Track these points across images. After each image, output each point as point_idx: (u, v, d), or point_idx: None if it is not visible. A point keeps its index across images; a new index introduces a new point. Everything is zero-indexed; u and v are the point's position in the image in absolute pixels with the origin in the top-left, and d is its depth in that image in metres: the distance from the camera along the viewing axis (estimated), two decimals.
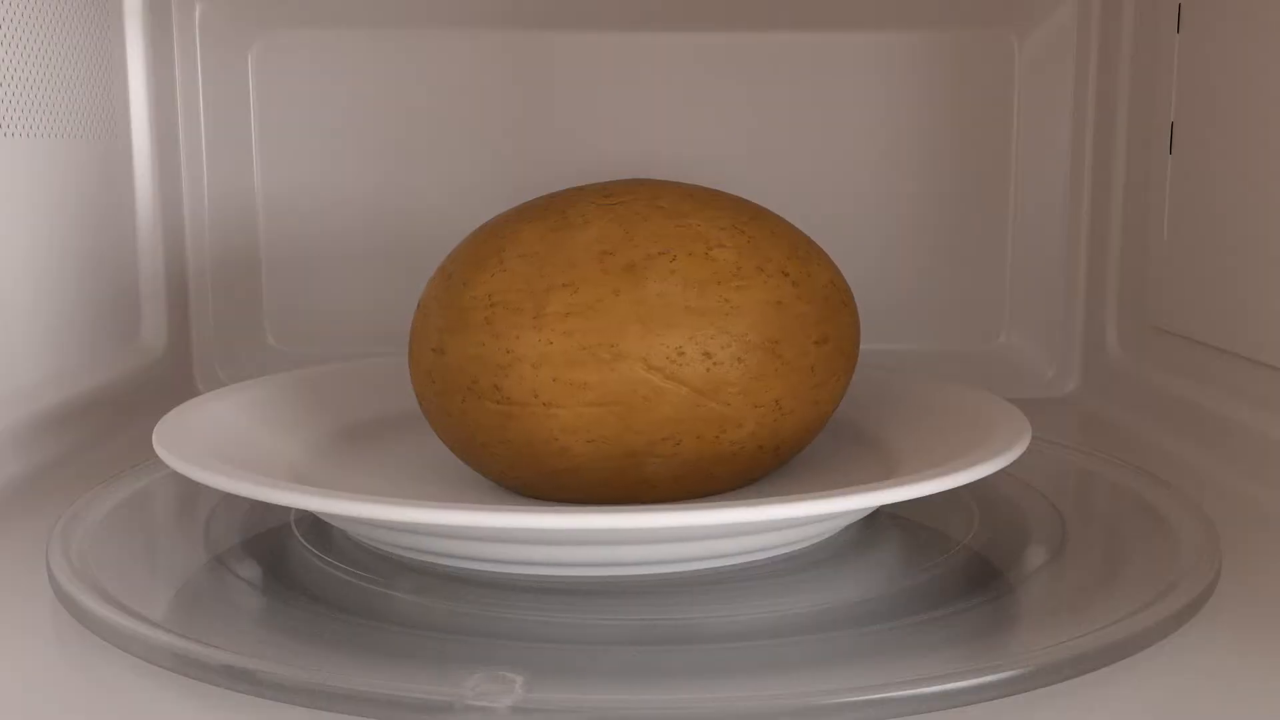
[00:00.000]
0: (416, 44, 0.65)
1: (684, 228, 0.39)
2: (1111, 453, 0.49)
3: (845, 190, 0.66)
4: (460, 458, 0.42)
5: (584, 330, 0.37)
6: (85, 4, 0.55)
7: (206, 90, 0.64)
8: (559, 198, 0.41)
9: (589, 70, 0.65)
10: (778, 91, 0.66)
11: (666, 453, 0.38)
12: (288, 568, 0.38)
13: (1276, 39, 0.48)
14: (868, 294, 0.67)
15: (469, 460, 0.41)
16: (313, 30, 0.65)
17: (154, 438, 0.39)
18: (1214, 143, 0.53)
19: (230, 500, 0.43)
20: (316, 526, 0.41)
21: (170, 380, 0.64)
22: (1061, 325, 0.66)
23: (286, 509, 0.42)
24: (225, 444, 0.41)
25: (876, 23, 0.65)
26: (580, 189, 0.42)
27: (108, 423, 0.55)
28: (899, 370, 0.51)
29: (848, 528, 0.40)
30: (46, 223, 0.52)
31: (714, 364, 0.38)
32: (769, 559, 0.38)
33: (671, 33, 0.65)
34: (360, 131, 0.66)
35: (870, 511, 0.40)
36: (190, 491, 0.44)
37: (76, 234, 0.55)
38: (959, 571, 0.38)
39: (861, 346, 0.66)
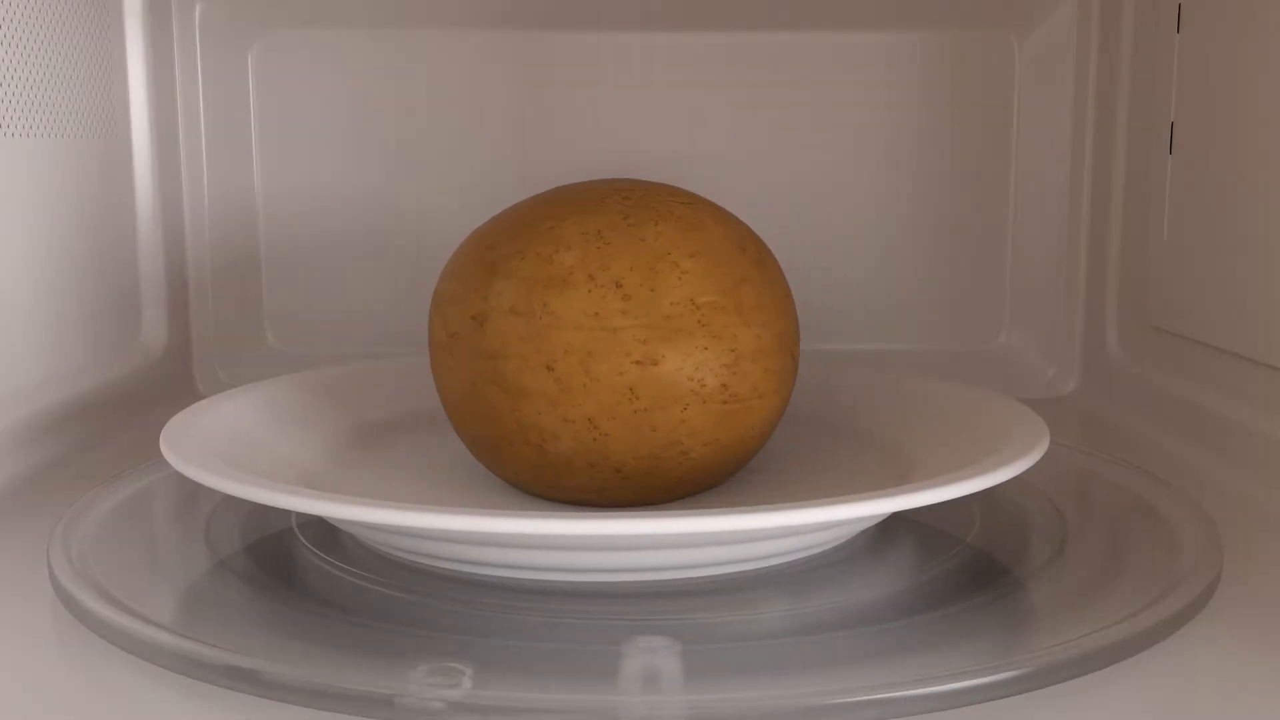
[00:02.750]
0: (416, 44, 0.65)
1: (743, 223, 0.42)
2: (1111, 453, 0.49)
3: (845, 190, 0.66)
4: (584, 483, 0.39)
5: (768, 321, 0.40)
6: (85, 4, 0.55)
7: (206, 90, 0.64)
8: (625, 198, 0.40)
9: (589, 70, 0.65)
10: (778, 91, 0.66)
11: (773, 431, 0.42)
12: (290, 568, 0.38)
13: (1276, 39, 0.48)
14: (868, 294, 0.67)
15: (607, 479, 0.39)
16: (313, 30, 0.65)
17: (161, 439, 0.38)
18: (1214, 143, 0.53)
19: (232, 500, 0.43)
20: (319, 527, 0.41)
21: (170, 380, 0.64)
22: (1061, 325, 0.66)
23: (286, 509, 0.42)
24: (234, 446, 0.41)
25: (876, 23, 0.65)
26: (605, 187, 0.41)
27: (108, 423, 0.55)
28: (905, 372, 0.51)
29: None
30: (46, 223, 0.52)
31: (796, 345, 0.42)
32: (769, 563, 0.38)
33: (671, 33, 0.65)
34: (360, 131, 0.66)
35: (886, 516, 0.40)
36: (191, 491, 0.44)
37: (76, 234, 0.55)
38: (960, 571, 0.38)
39: (863, 347, 0.67)
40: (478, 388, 0.39)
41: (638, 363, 0.38)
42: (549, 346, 0.38)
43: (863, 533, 0.40)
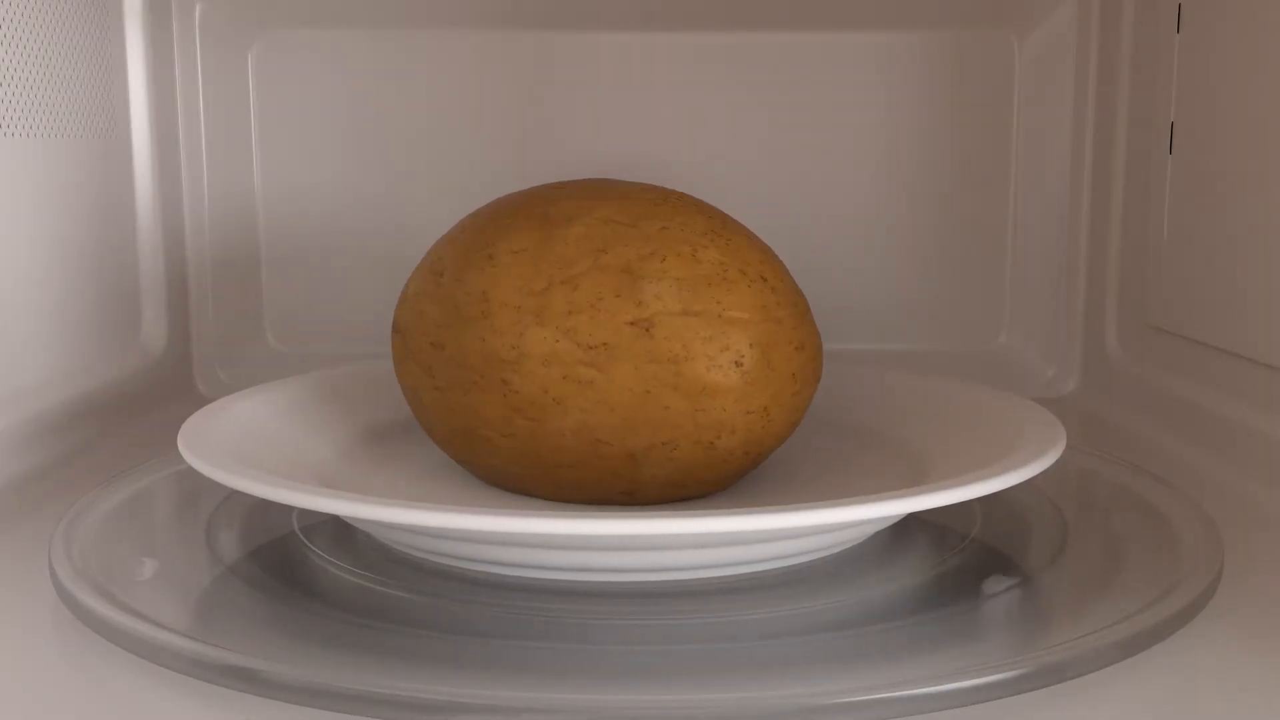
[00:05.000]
0: (416, 44, 0.65)
1: None
2: (1111, 452, 0.49)
3: (845, 190, 0.66)
4: (734, 470, 0.40)
5: None
6: (85, 4, 0.55)
7: (206, 90, 0.64)
8: (681, 199, 0.41)
9: (589, 70, 0.65)
10: (778, 91, 0.66)
11: None
12: (291, 567, 0.38)
13: (1276, 39, 0.48)
14: (868, 294, 0.67)
15: (749, 464, 0.41)
16: (313, 30, 0.65)
17: (180, 442, 0.38)
18: (1214, 143, 0.53)
19: (232, 500, 0.43)
20: (321, 526, 0.41)
21: (170, 380, 0.64)
22: (1061, 325, 0.66)
23: (288, 508, 0.42)
24: (249, 446, 0.40)
25: (876, 23, 0.65)
26: (644, 189, 0.42)
27: (108, 423, 0.55)
28: (911, 370, 0.51)
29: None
30: (47, 223, 0.52)
31: None
32: (775, 564, 0.38)
33: (671, 33, 0.65)
34: (360, 131, 0.66)
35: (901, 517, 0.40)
36: (192, 491, 0.44)
37: (76, 234, 0.55)
38: (961, 571, 0.38)
39: (862, 347, 0.67)
40: (650, 395, 0.38)
41: (797, 349, 0.40)
42: (735, 343, 0.38)
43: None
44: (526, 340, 0.38)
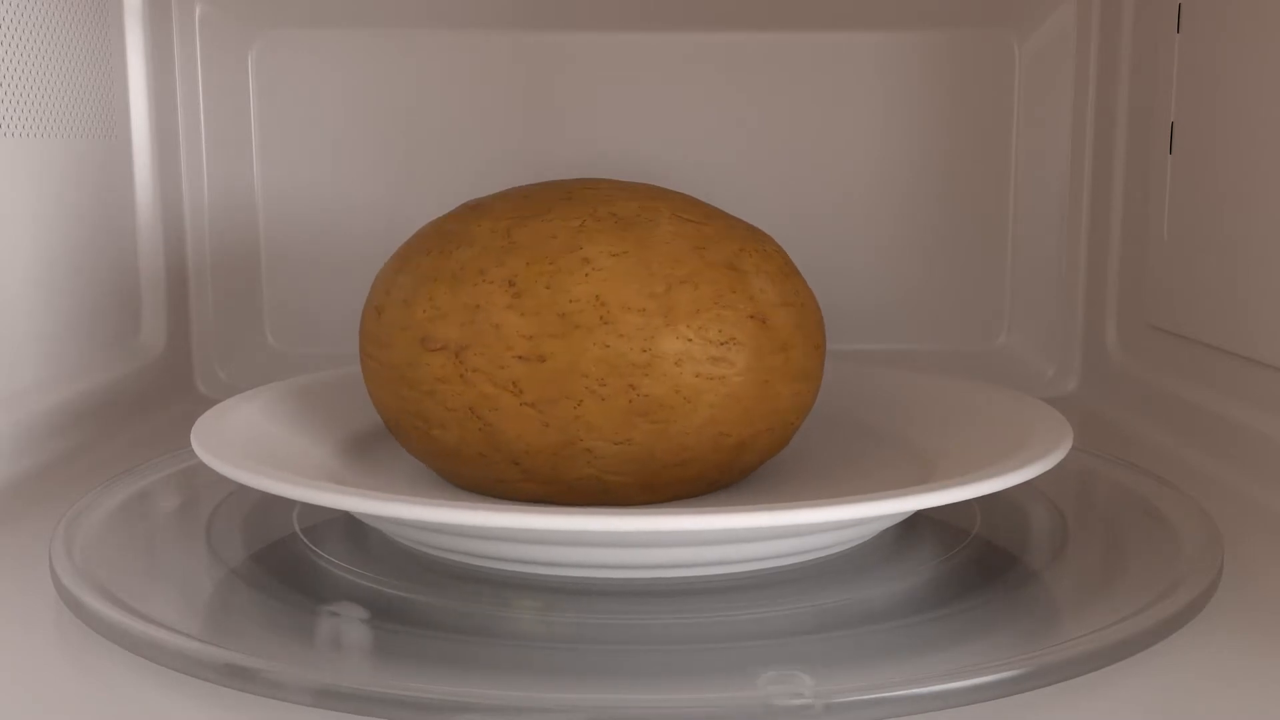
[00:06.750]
0: (417, 44, 0.65)
1: None
2: (1111, 453, 0.49)
3: (845, 190, 0.66)
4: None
5: None
6: (85, 4, 0.55)
7: (206, 90, 0.64)
8: (687, 196, 0.42)
9: (589, 70, 0.65)
10: (778, 91, 0.66)
11: None
12: (291, 566, 0.38)
13: (1276, 39, 0.48)
14: (868, 294, 0.67)
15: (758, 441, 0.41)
16: (313, 30, 0.65)
17: (193, 439, 0.38)
18: (1214, 143, 0.53)
19: (232, 499, 0.43)
20: (321, 526, 0.41)
21: (170, 380, 0.64)
22: (1061, 325, 0.67)
23: (288, 508, 0.42)
24: (261, 446, 0.40)
25: (876, 23, 0.65)
26: (646, 187, 0.42)
27: (108, 423, 0.55)
28: (919, 370, 0.51)
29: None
30: (47, 223, 0.52)
31: None
32: (778, 562, 0.38)
33: (672, 33, 0.65)
34: (360, 131, 0.66)
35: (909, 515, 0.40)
36: (193, 490, 0.44)
37: (76, 234, 0.55)
38: (960, 571, 0.38)
39: (862, 347, 0.67)
40: (768, 385, 0.39)
41: (824, 336, 0.42)
42: (812, 330, 0.41)
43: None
44: (658, 342, 0.37)
